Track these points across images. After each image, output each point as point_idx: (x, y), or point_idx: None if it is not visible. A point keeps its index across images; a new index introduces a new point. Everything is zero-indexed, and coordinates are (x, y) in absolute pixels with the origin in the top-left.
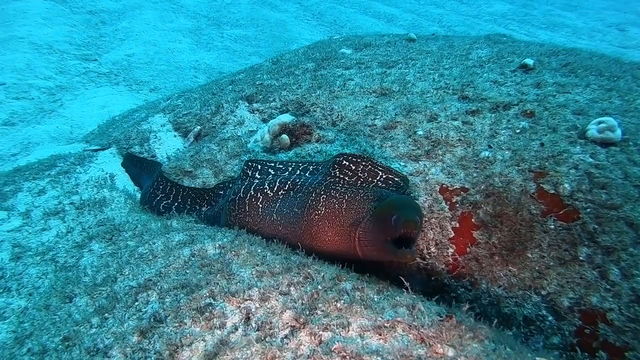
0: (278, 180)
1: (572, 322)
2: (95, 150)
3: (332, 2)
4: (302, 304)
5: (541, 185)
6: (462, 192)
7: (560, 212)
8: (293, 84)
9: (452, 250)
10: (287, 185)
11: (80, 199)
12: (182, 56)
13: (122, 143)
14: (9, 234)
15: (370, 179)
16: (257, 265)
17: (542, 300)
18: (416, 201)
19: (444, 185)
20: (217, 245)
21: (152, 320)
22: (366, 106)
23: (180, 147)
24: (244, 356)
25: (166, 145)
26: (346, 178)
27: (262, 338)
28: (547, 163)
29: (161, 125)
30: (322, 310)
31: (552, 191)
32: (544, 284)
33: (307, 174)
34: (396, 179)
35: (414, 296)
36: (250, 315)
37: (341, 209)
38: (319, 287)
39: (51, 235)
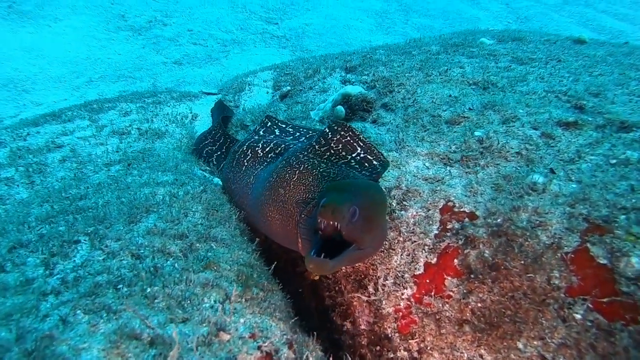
0: (274, 142)
1: None
2: (207, 94)
3: (547, 9)
4: (127, 271)
5: (587, 245)
6: (466, 219)
7: (604, 300)
8: (397, 61)
9: (409, 293)
10: (279, 149)
11: (148, 127)
12: (357, 34)
13: (225, 91)
14: (77, 140)
15: (344, 153)
16: (167, 222)
17: None
18: (378, 192)
19: (449, 203)
20: (171, 192)
21: (45, 236)
22: (450, 95)
23: (262, 103)
24: (10, 302)
25: (253, 99)
26: (317, 147)
27: (45, 293)
28: (621, 216)
29: (263, 81)
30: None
31: (604, 262)
32: None
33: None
34: (374, 162)
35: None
36: (82, 265)
37: (290, 181)
38: (171, 265)
39: (101, 150)
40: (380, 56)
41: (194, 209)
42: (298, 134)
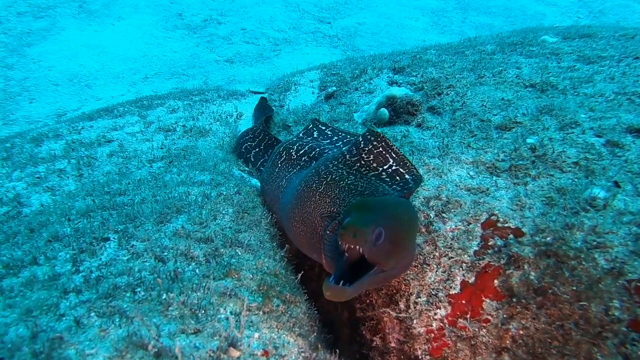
0: (310, 145)
1: None
2: (255, 93)
3: None
4: (148, 274)
5: None
6: (511, 235)
7: None
8: (448, 62)
9: (443, 313)
10: (313, 153)
11: (193, 125)
12: (410, 33)
13: (271, 90)
14: (125, 135)
15: (375, 164)
16: (195, 224)
17: None
18: (408, 210)
19: (493, 217)
20: (205, 193)
21: (80, 230)
22: (502, 99)
23: (307, 104)
24: (35, 296)
25: (298, 98)
26: (347, 156)
27: (67, 291)
28: None
29: (310, 81)
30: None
31: None
32: None
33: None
34: (406, 176)
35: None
36: (106, 264)
37: (316, 191)
38: (192, 270)
39: (146, 146)
40: (431, 56)
41: (224, 212)
42: (336, 138)
